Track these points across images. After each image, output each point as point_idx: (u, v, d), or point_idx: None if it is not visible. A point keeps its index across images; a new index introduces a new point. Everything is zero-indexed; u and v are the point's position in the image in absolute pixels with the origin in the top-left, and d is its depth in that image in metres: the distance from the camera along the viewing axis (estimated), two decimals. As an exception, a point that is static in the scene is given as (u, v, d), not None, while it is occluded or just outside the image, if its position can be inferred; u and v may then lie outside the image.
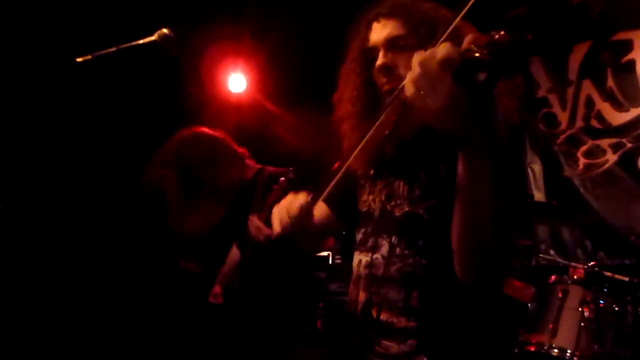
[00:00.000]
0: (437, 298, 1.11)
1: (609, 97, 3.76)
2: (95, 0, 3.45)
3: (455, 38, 0.86)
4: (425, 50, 0.87)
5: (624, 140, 3.68)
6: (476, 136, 0.85)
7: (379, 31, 1.21)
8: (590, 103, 3.84)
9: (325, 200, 1.38)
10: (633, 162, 3.61)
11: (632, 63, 3.67)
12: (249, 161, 2.55)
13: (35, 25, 3.17)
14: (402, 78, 1.10)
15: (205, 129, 2.57)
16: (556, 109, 3.94)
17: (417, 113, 0.96)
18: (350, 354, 1.22)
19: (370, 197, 1.28)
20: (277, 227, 1.28)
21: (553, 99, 3.93)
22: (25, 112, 3.12)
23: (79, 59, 1.16)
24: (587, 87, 3.85)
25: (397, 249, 1.16)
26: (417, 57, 0.85)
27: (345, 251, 4.85)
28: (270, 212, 2.16)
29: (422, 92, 0.83)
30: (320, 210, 1.42)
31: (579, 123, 3.88)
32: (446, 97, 0.81)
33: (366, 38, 1.25)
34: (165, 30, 1.30)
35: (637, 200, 3.53)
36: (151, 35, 1.29)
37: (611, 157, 3.71)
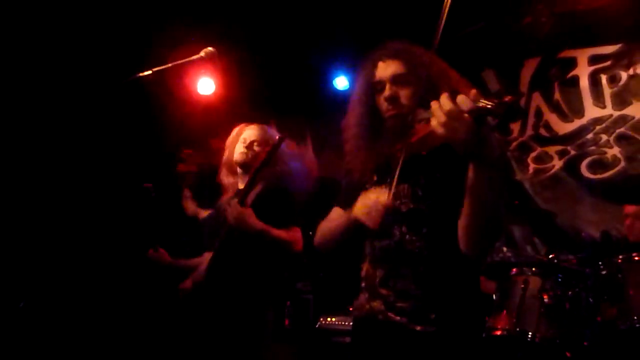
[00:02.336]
0: (438, 270, 1.45)
1: (556, 108, 4.14)
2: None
3: (453, 92, 1.23)
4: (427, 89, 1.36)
5: (568, 147, 4.06)
6: (484, 154, 1.23)
7: (384, 69, 1.55)
8: (539, 113, 4.21)
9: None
10: (576, 167, 4.00)
11: (576, 78, 4.06)
12: None
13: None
14: (403, 106, 1.50)
15: None
16: (509, 118, 4.26)
17: (428, 139, 1.35)
18: (373, 314, 1.51)
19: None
20: (371, 224, 1.44)
21: (506, 109, 4.26)
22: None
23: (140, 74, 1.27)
24: (537, 99, 4.22)
25: (407, 236, 1.49)
26: (443, 107, 1.18)
27: (309, 251, 4.99)
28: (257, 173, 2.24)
29: (450, 130, 1.18)
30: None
31: (529, 131, 4.25)
32: (468, 132, 1.18)
33: (372, 74, 1.57)
34: (210, 49, 1.45)
35: (580, 202, 3.92)
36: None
37: (557, 163, 4.08)
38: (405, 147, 1.41)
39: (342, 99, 5.00)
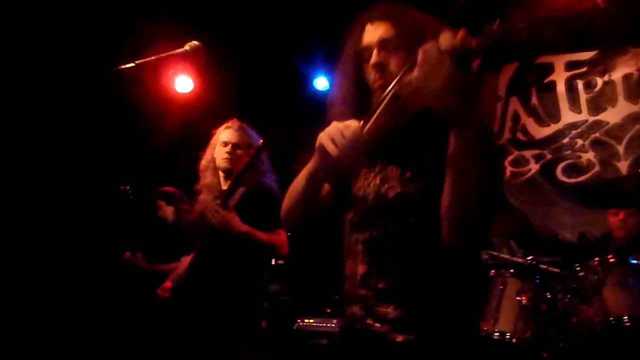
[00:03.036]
0: (427, 266, 1.23)
1: (532, 113, 4.19)
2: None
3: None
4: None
5: (544, 151, 4.12)
6: (467, 116, 1.04)
7: (372, 33, 1.32)
8: (516, 118, 4.26)
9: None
10: (552, 171, 4.06)
11: (552, 84, 4.13)
12: None
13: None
14: (393, 75, 1.24)
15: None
16: (487, 121, 4.31)
17: (413, 100, 1.14)
18: (351, 321, 1.31)
19: (365, 183, 1.36)
20: (332, 149, 1.19)
21: (484, 112, 4.31)
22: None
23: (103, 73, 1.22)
24: (514, 103, 4.27)
25: (391, 226, 1.27)
26: (422, 47, 1.03)
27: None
28: (240, 178, 2.18)
29: (426, 75, 1.01)
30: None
31: (507, 135, 4.29)
32: (446, 79, 1.00)
33: (359, 39, 1.35)
34: (195, 42, 1.39)
35: (555, 205, 3.98)
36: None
37: (534, 167, 4.14)
38: (384, 120, 1.20)
39: (322, 99, 4.98)
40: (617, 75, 3.87)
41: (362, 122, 1.22)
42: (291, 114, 5.17)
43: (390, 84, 1.22)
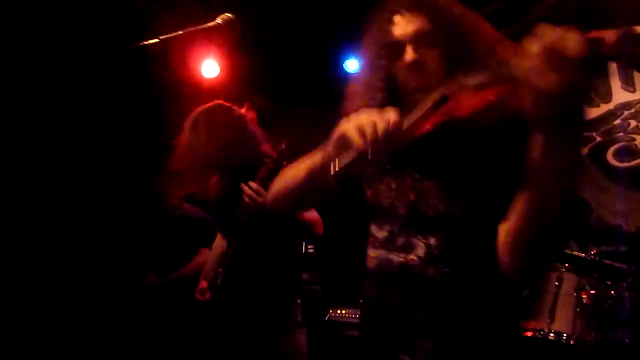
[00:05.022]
0: (473, 297, 1.12)
1: (582, 93, 3.92)
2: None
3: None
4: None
5: (594, 134, 3.86)
6: (571, 125, 0.87)
7: (404, 26, 1.17)
8: (562, 98, 4.00)
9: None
10: (603, 155, 3.80)
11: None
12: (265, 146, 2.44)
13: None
14: (431, 75, 1.12)
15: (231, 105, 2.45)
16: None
17: (468, 106, 0.97)
18: (382, 355, 1.20)
19: (392, 194, 1.23)
20: (359, 143, 1.03)
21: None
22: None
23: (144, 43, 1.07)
24: (560, 83, 4.01)
25: (435, 251, 1.14)
26: (544, 46, 0.82)
27: (318, 240, 4.85)
28: (264, 184, 2.10)
29: (543, 73, 0.82)
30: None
31: (552, 117, 4.04)
32: (568, 80, 0.82)
33: (388, 32, 1.20)
34: (229, 15, 1.23)
35: (605, 191, 3.73)
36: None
37: (583, 150, 3.89)
38: (427, 126, 1.02)
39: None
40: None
41: (404, 116, 1.05)
42: (321, 98, 5.01)
43: (429, 85, 1.08)
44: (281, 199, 1.38)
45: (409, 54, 1.15)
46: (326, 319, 4.43)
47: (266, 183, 2.17)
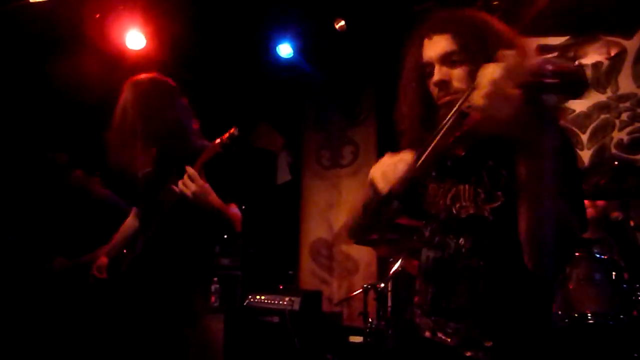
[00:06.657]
0: (498, 288, 1.23)
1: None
2: None
3: (507, 46, 1.02)
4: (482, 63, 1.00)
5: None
6: (536, 142, 0.99)
7: (432, 47, 1.30)
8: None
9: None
10: None
11: None
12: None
13: None
14: (457, 91, 1.25)
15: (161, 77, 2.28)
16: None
17: (481, 122, 1.07)
18: (419, 328, 1.35)
19: (436, 200, 1.38)
20: (382, 187, 1.24)
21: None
22: None
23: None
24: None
25: (464, 248, 1.27)
26: (488, 75, 0.95)
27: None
28: (203, 167, 2.01)
29: (492, 105, 0.94)
30: None
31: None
32: (514, 111, 0.93)
33: (419, 54, 1.34)
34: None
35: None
36: None
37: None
38: (453, 137, 1.15)
39: (285, 67, 4.75)
40: (586, 62, 3.83)
41: (417, 153, 1.21)
42: (252, 81, 4.89)
43: (455, 100, 1.17)
44: (354, 234, 1.55)
45: (436, 74, 1.28)
46: (244, 304, 4.37)
47: (208, 167, 2.06)
